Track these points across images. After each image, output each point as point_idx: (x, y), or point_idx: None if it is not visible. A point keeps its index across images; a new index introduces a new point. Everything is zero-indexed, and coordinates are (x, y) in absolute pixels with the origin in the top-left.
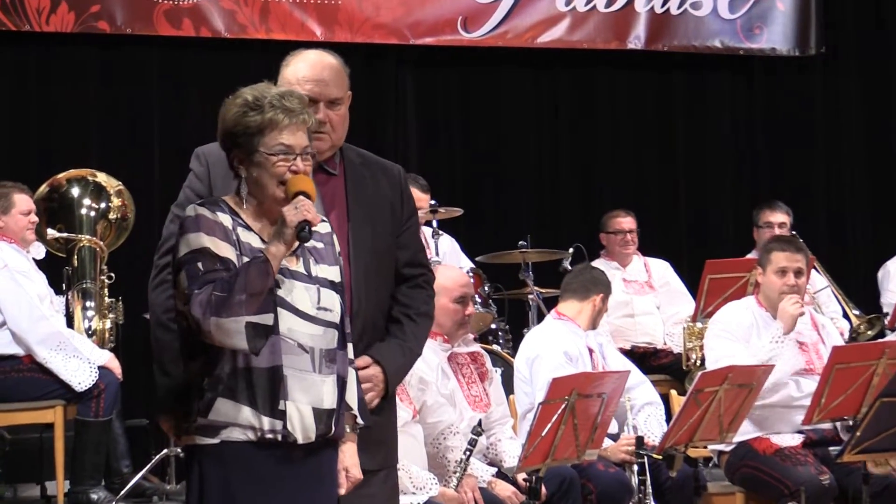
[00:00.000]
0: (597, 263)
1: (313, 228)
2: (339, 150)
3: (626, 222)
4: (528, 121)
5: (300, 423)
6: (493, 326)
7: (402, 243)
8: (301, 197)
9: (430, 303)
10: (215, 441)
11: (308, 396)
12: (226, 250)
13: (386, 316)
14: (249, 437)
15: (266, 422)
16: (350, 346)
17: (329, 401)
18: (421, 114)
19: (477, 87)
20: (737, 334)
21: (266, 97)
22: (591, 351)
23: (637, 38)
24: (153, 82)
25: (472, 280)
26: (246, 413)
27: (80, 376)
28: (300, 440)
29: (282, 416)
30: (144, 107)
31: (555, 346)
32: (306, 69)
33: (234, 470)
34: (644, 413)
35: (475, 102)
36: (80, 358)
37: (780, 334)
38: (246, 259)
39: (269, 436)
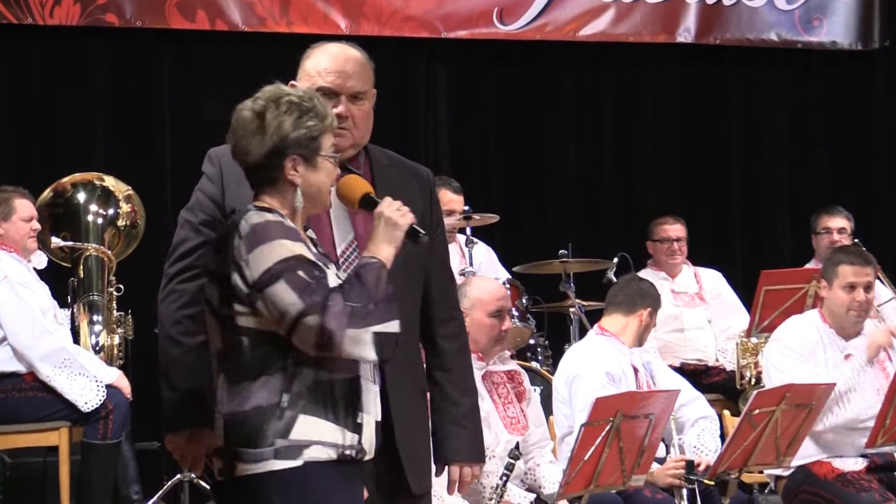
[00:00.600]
0: (643, 274)
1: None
2: (365, 150)
3: (675, 230)
4: (569, 120)
5: (368, 438)
6: (532, 342)
7: (430, 253)
8: (389, 199)
9: (464, 345)
10: (298, 463)
11: (374, 408)
12: (314, 257)
13: (413, 327)
14: (331, 456)
15: (348, 437)
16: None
17: (378, 412)
18: (454, 113)
19: (514, 83)
20: (802, 352)
21: (313, 100)
22: (635, 370)
23: (687, 31)
24: (165, 80)
25: (508, 292)
26: (329, 428)
27: (87, 396)
28: (369, 455)
29: (359, 429)
30: (156, 106)
31: (595, 365)
32: (328, 61)
33: (321, 494)
34: (698, 427)
35: (512, 100)
36: (86, 376)
37: (862, 363)
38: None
39: (348, 452)
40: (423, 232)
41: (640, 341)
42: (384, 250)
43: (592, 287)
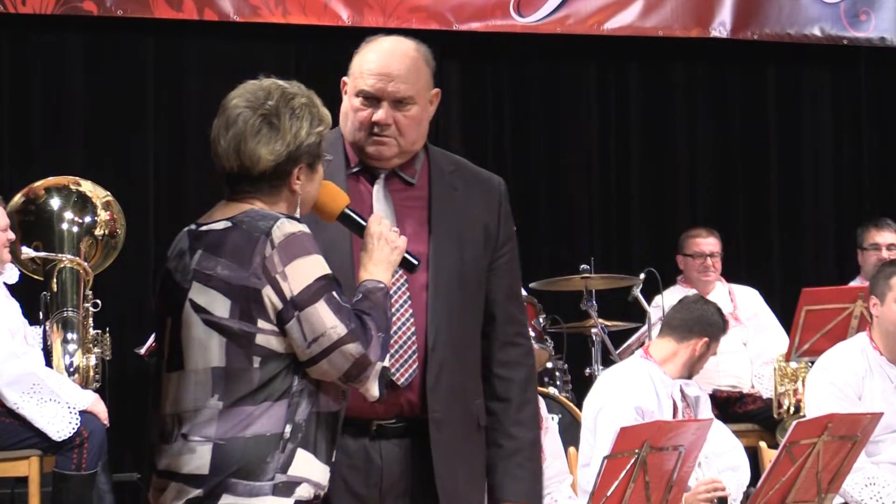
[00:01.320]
0: (672, 292)
1: None
2: (426, 156)
3: (708, 243)
4: (592, 122)
5: (326, 476)
6: (550, 366)
7: (495, 272)
8: (380, 215)
9: (529, 375)
10: (289, 502)
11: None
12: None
13: (467, 352)
14: (310, 496)
15: (326, 477)
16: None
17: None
18: (466, 113)
19: (532, 82)
20: (846, 391)
21: (313, 99)
22: (675, 404)
23: (722, 25)
24: (148, 74)
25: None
26: (319, 467)
27: (59, 424)
28: (322, 495)
29: (331, 468)
30: (137, 104)
31: (626, 397)
32: (373, 60)
33: None
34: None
35: (530, 100)
36: (57, 402)
37: None
38: None
39: (320, 493)
40: (416, 261)
41: (689, 372)
42: (384, 274)
43: (616, 306)
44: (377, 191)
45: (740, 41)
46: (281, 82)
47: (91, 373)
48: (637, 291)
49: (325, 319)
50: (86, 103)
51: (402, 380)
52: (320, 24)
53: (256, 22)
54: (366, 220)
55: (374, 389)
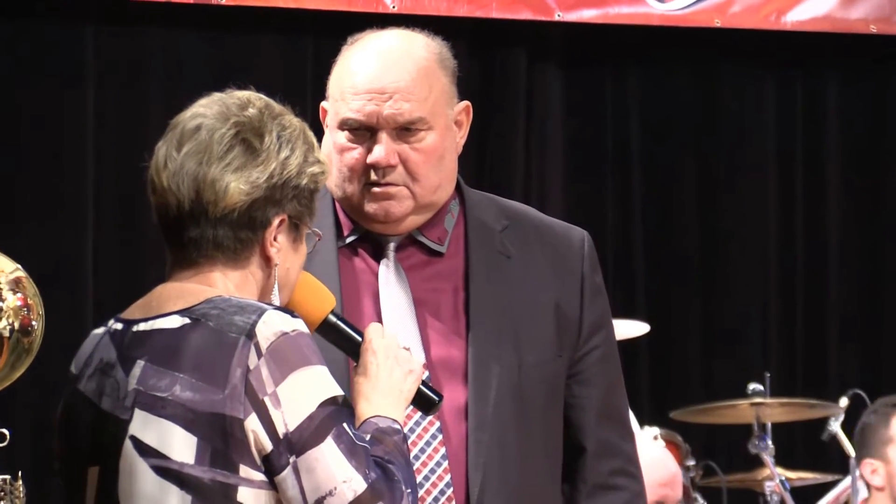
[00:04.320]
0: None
1: None
2: (461, 206)
3: None
4: (769, 152)
5: None
6: None
7: (578, 380)
8: (379, 326)
9: None
10: None
11: None
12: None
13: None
14: None
15: None
16: None
17: None
18: (571, 138)
19: (675, 96)
20: None
21: (311, 136)
22: None
23: None
24: (88, 77)
25: (677, 472)
26: None
27: None
28: None
29: None
30: (75, 121)
31: None
32: (359, 71)
33: None
34: None
35: (672, 123)
36: None
37: None
38: None
39: None
40: (438, 397)
41: None
42: (395, 409)
43: (803, 447)
44: (385, 270)
45: None
46: (266, 97)
47: None
48: (836, 426)
49: (335, 469)
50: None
51: None
52: (349, 10)
53: (253, 6)
54: (360, 333)
55: None
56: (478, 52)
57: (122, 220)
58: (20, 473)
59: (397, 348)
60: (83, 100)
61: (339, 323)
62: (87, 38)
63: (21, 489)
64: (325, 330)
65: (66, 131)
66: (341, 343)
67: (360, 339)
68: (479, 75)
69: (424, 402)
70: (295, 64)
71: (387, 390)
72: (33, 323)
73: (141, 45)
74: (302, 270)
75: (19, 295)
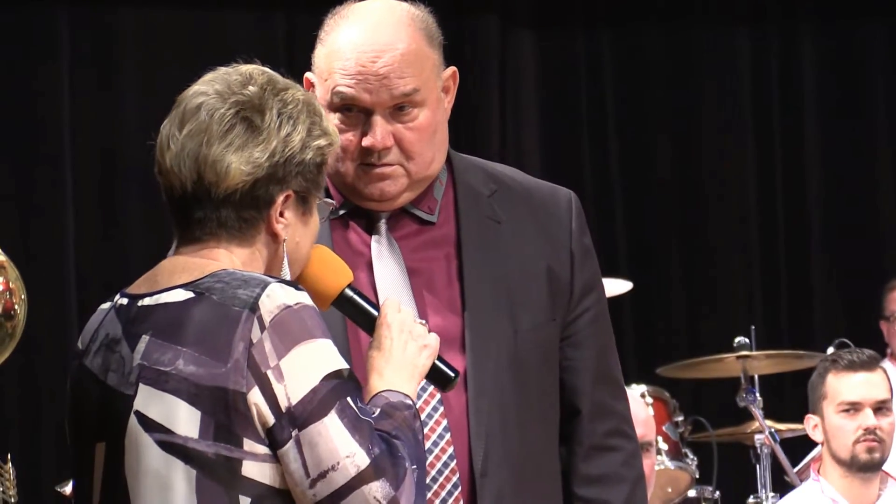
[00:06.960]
0: None
1: None
2: (450, 173)
3: None
4: (745, 112)
5: None
6: (692, 495)
7: (571, 343)
8: (395, 301)
9: (633, 491)
10: None
11: None
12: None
13: (544, 477)
14: None
15: None
16: None
17: None
18: (544, 100)
19: (645, 52)
20: None
21: (317, 105)
22: None
23: None
24: (63, 57)
25: (650, 413)
26: None
27: None
28: None
29: None
30: (44, 106)
31: None
32: (350, 47)
33: None
34: None
35: (642, 78)
36: None
37: None
38: None
39: None
40: (455, 373)
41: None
42: (408, 384)
43: (792, 399)
44: (378, 242)
45: None
46: (270, 71)
47: None
48: None
49: (338, 443)
50: None
51: None
52: None
53: None
54: (377, 307)
55: None
56: (452, 16)
57: (104, 204)
58: (9, 457)
59: (413, 323)
60: (59, 79)
61: (355, 297)
62: (62, 17)
63: (10, 472)
64: (341, 304)
65: (39, 109)
66: (357, 317)
67: (376, 313)
68: (452, 41)
69: (440, 377)
70: (267, 39)
71: (400, 365)
72: (16, 307)
73: (112, 25)
74: (318, 245)
75: (1, 279)
